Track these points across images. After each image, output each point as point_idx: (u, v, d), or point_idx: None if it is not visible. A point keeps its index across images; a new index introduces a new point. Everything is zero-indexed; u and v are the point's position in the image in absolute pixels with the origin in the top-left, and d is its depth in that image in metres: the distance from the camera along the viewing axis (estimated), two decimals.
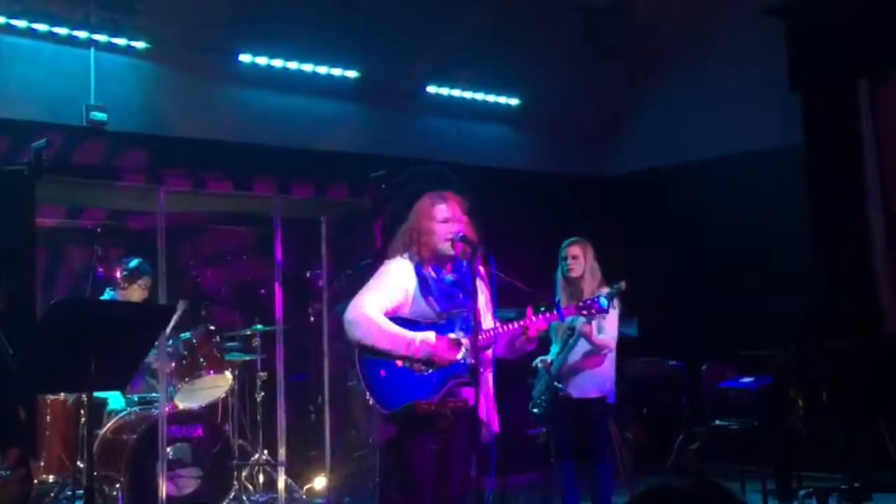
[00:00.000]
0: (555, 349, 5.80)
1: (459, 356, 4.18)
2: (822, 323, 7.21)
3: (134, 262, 6.67)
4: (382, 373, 4.14)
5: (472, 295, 4.14)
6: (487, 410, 4.22)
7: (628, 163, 9.72)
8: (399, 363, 4.15)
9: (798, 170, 8.16)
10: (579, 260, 5.78)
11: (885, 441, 6.78)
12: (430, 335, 4.15)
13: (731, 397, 7.11)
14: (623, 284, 5.49)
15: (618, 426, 7.39)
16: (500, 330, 4.27)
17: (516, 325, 4.29)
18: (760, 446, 6.78)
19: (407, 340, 4.12)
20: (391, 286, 4.25)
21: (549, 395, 5.81)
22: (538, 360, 5.84)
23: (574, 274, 5.76)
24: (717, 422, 7.15)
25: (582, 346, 5.71)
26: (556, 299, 5.52)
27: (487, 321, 4.26)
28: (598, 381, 5.76)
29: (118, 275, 6.64)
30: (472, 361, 4.13)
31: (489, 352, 4.26)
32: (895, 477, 6.70)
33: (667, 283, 8.82)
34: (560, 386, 5.72)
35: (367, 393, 4.12)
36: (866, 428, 6.81)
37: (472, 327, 4.18)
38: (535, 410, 5.89)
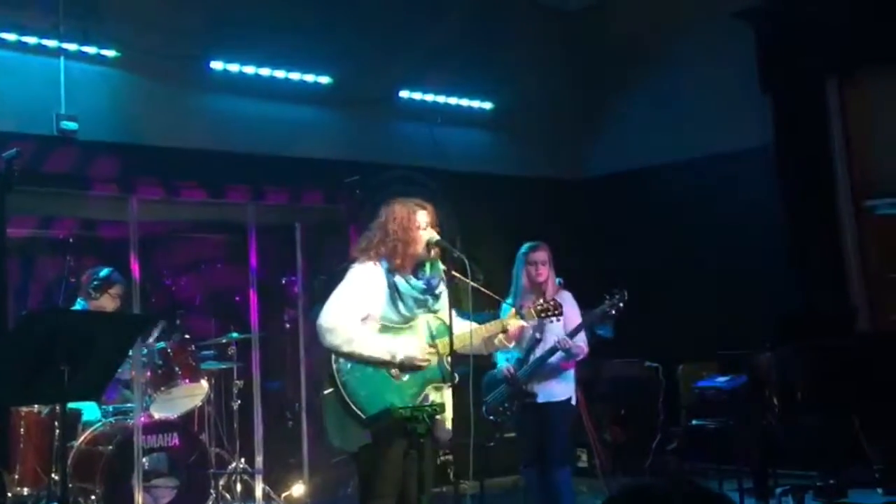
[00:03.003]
0: (514, 354, 5.70)
1: (433, 364, 4.21)
2: (796, 322, 7.26)
3: (104, 272, 6.62)
4: (359, 379, 4.15)
5: (449, 298, 4.19)
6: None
7: (602, 165, 9.76)
8: (375, 369, 4.15)
9: (771, 170, 8.22)
10: (547, 265, 5.79)
11: (859, 438, 6.83)
12: (410, 347, 4.17)
13: (708, 397, 7.13)
14: (626, 294, 5.64)
15: (595, 427, 7.43)
16: (479, 330, 4.34)
17: (495, 325, 4.38)
18: (737, 445, 6.81)
19: (390, 352, 4.15)
20: (362, 293, 4.26)
21: (512, 403, 5.75)
22: (503, 368, 5.74)
23: (542, 279, 5.76)
24: (694, 422, 7.18)
25: (558, 354, 5.68)
26: (509, 302, 5.45)
27: (455, 322, 4.26)
28: (565, 384, 5.76)
29: (89, 284, 6.58)
30: (448, 367, 4.17)
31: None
32: (870, 473, 6.76)
33: (642, 285, 8.83)
34: (535, 392, 5.68)
35: (346, 399, 4.12)
36: (841, 425, 6.86)
37: (444, 331, 4.21)
38: (493, 418, 5.83)
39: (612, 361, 8.13)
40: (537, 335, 5.65)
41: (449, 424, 4.26)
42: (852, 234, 7.94)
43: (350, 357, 4.16)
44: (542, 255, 5.79)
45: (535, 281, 5.76)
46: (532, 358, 5.70)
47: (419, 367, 4.19)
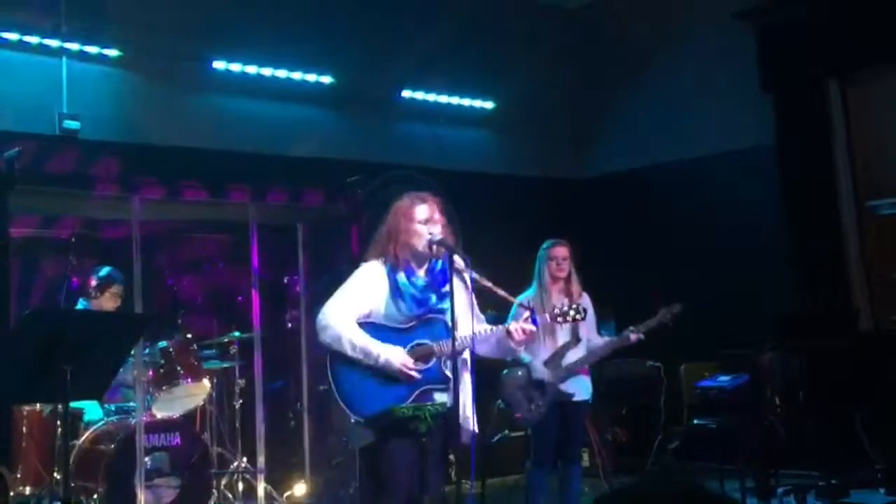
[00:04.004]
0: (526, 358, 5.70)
1: (430, 364, 4.19)
2: (797, 322, 7.27)
3: (104, 271, 6.63)
4: (353, 379, 4.15)
5: (450, 298, 4.15)
6: (465, 411, 4.23)
7: (603, 165, 9.77)
8: (364, 369, 4.16)
9: (772, 170, 8.22)
10: (568, 260, 5.85)
11: (860, 438, 6.84)
12: (394, 354, 4.15)
13: (710, 396, 7.15)
14: (680, 307, 5.90)
15: (597, 426, 7.43)
16: (483, 334, 4.28)
17: (499, 329, 4.33)
18: (739, 445, 6.81)
19: (372, 354, 4.14)
20: (363, 291, 4.26)
21: (546, 401, 5.71)
22: (542, 375, 5.71)
23: (562, 274, 5.83)
24: (696, 421, 7.18)
25: (590, 353, 5.82)
26: (524, 300, 5.44)
27: (467, 322, 4.25)
28: (589, 382, 5.90)
29: (89, 284, 6.58)
30: (448, 369, 4.14)
31: (466, 353, 4.26)
32: (871, 473, 6.76)
33: (643, 284, 8.85)
34: (572, 392, 5.74)
35: (338, 399, 4.12)
36: (842, 425, 6.87)
37: (447, 331, 4.18)
38: (518, 415, 5.85)
39: (613, 361, 8.11)
40: (577, 337, 5.76)
41: (472, 424, 4.25)
42: (854, 234, 7.94)
43: (341, 356, 4.17)
44: (562, 250, 5.86)
45: (556, 276, 5.82)
46: (568, 360, 5.75)
47: (397, 378, 4.16)
